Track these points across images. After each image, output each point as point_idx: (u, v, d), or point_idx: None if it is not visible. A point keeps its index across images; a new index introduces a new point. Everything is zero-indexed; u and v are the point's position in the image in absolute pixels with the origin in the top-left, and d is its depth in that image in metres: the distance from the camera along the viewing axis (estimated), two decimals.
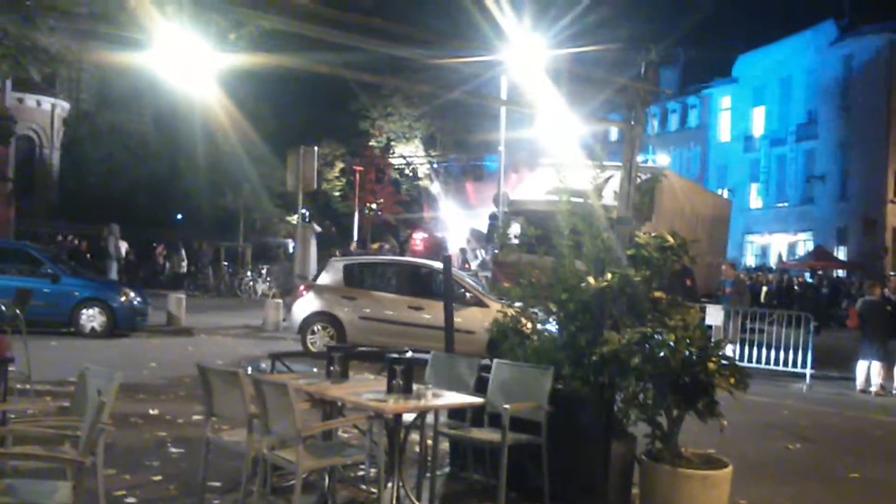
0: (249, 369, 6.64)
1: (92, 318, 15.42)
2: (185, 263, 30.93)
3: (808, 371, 14.05)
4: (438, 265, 14.73)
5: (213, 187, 37.92)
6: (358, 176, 42.65)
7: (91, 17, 9.98)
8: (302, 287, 15.44)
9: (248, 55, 10.71)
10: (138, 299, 16.38)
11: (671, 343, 5.68)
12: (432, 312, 12.80)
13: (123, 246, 24.48)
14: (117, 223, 25.19)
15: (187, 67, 6.31)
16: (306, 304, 14.35)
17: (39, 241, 26.04)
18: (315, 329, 14.03)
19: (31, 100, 38.53)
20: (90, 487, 4.59)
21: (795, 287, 32.31)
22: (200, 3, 5.22)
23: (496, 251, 16.73)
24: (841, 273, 38.26)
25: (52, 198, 39.82)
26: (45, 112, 39.60)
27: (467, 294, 13.39)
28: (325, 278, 14.57)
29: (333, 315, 13.96)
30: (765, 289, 32.34)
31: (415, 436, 6.58)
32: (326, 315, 14.03)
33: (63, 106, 40.22)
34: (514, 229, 15.92)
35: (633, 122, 6.82)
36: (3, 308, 9.59)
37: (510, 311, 7.22)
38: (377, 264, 15.71)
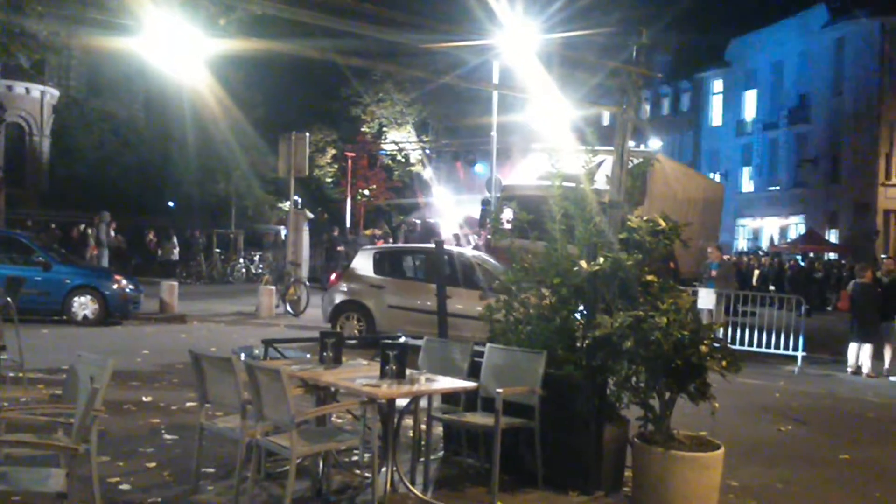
0: (242, 356, 6.65)
1: (84, 305, 15.39)
2: (176, 250, 30.87)
3: (799, 354, 14.13)
4: (470, 252, 14.71)
5: (205, 174, 37.78)
6: (350, 162, 42.56)
7: (80, 3, 9.91)
8: (333, 275, 15.33)
9: (238, 41, 10.65)
10: (130, 287, 16.35)
11: (663, 326, 5.70)
12: (462, 301, 12.60)
13: (101, 232, 24.04)
14: (108, 210, 25.09)
15: (177, 53, 6.28)
16: (337, 293, 14.26)
17: (30, 229, 25.95)
18: (346, 318, 13.94)
19: (20, 87, 38.27)
20: (84, 474, 4.60)
21: (787, 270, 32.39)
22: None
23: (489, 236, 16.71)
24: (833, 256, 38.41)
25: (43, 186, 39.63)
26: (35, 99, 39.34)
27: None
28: (355, 267, 14.47)
29: (363, 304, 13.85)
30: (757, 272, 32.45)
31: (408, 420, 6.60)
32: (356, 304, 13.91)
33: (52, 93, 39.96)
34: (507, 214, 15.96)
35: (624, 107, 6.81)
36: None
37: (502, 297, 7.22)
38: (407, 252, 15.55)
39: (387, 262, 14.36)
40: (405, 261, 14.78)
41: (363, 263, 14.29)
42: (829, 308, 27.71)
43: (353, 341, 12.32)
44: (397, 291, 13.77)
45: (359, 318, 13.88)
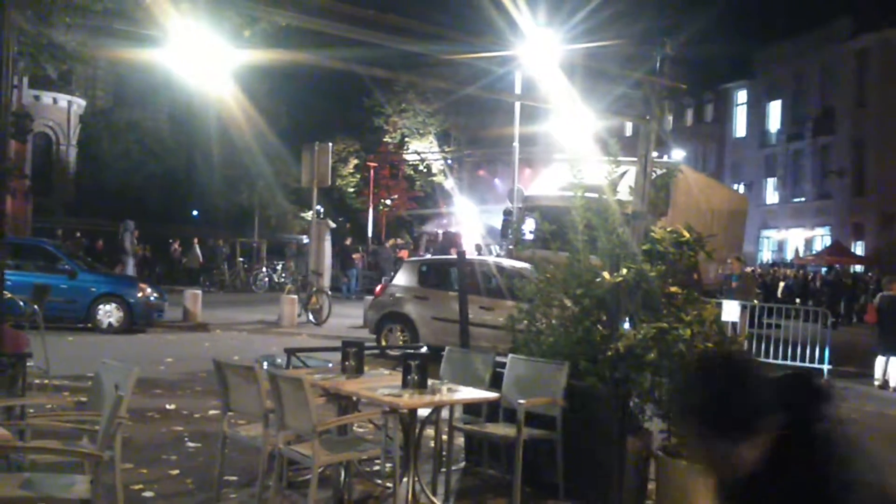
0: (265, 364, 6.67)
1: (109, 313, 15.52)
2: (200, 259, 31.09)
3: (825, 367, 13.96)
4: (514, 264, 14.60)
5: (229, 183, 38.06)
6: (372, 172, 42.72)
7: (107, 14, 10.03)
8: (378, 287, 15.28)
9: (262, 51, 10.74)
10: (155, 295, 16.49)
11: (687, 338, 5.66)
12: (504, 313, 12.48)
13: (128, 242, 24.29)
14: (133, 219, 25.34)
15: (202, 64, 6.34)
16: (380, 305, 14.22)
17: (58, 237, 26.24)
18: (390, 330, 13.87)
19: (47, 97, 38.78)
20: (108, 482, 4.63)
21: (817, 282, 32.01)
22: (215, 0, 5.24)
23: (511, 247, 16.68)
24: (859, 268, 37.97)
25: (69, 195, 40.10)
26: (62, 109, 39.85)
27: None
28: (400, 278, 14.42)
29: (407, 315, 13.77)
30: (782, 283, 32.17)
31: (430, 431, 6.58)
32: (400, 315, 13.82)
33: (79, 103, 40.46)
34: (529, 225, 15.92)
35: (648, 117, 6.78)
36: (22, 304, 9.68)
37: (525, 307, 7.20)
38: (452, 264, 15.41)
39: (431, 274, 14.27)
40: (449, 272, 14.61)
41: (407, 275, 14.21)
42: (854, 321, 27.38)
43: (395, 352, 12.27)
44: (441, 303, 13.59)
45: (402, 330, 13.79)
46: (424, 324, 13.55)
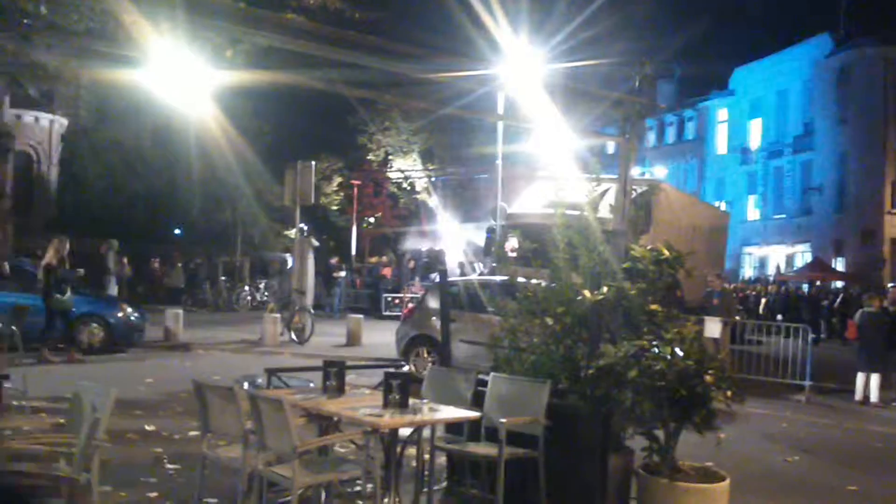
0: (245, 385, 6.63)
1: (90, 333, 15.37)
2: (182, 278, 30.91)
3: (806, 383, 14.03)
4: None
5: (211, 202, 37.93)
6: (356, 190, 42.71)
7: (88, 35, 10.01)
8: (406, 309, 15.04)
9: (244, 72, 10.76)
10: (135, 315, 16.36)
11: (668, 356, 5.68)
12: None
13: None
14: (116, 238, 25.17)
15: (184, 84, 6.34)
16: (409, 327, 14.06)
17: (38, 257, 26.00)
18: (418, 352, 13.69)
19: (29, 116, 38.56)
20: None
21: (798, 298, 32.17)
22: (196, 21, 5.25)
23: (494, 264, 16.70)
24: (839, 284, 38.29)
25: (50, 213, 39.80)
26: (44, 128, 39.62)
27: None
28: (428, 300, 14.29)
29: (435, 338, 13.38)
30: (763, 300, 32.33)
31: (411, 450, 6.56)
32: (428, 338, 13.60)
33: (61, 122, 40.25)
34: (512, 243, 15.95)
35: (627, 136, 6.84)
36: (0, 325, 9.60)
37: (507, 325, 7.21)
38: (479, 285, 15.19)
39: (459, 296, 14.12)
40: (478, 293, 14.40)
41: (435, 297, 14.08)
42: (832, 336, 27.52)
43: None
44: (470, 325, 13.16)
45: (429, 353, 13.64)
46: (452, 346, 13.32)
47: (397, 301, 28.59)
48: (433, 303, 13.98)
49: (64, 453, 4.94)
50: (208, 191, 37.13)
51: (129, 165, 39.62)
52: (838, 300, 28.88)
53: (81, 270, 15.73)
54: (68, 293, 14.37)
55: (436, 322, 13.49)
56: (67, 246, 14.64)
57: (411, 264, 32.48)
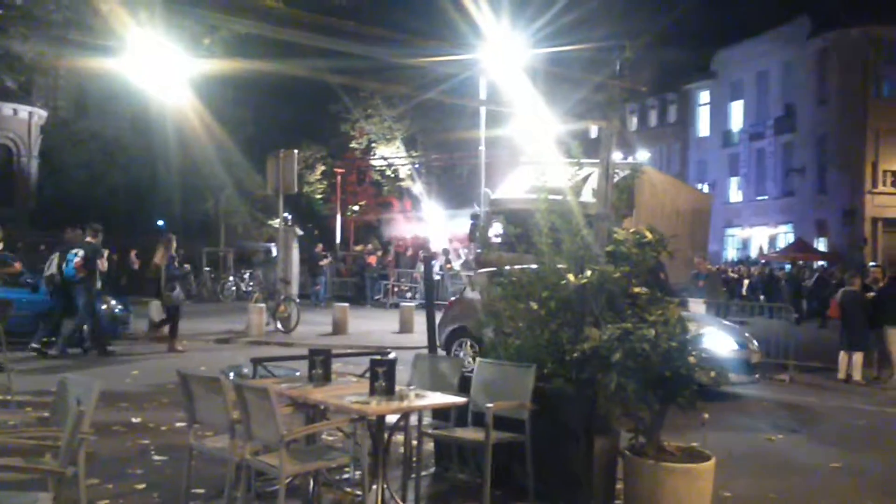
0: (231, 375, 6.62)
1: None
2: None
3: (790, 362, 14.16)
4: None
5: (194, 192, 37.71)
6: (339, 178, 42.58)
7: (65, 25, 9.90)
8: (448, 301, 14.97)
9: (223, 60, 10.69)
10: (119, 307, 16.26)
11: (651, 338, 5.71)
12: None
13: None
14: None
15: (162, 73, 6.29)
16: (450, 320, 13.81)
17: (20, 250, 25.77)
18: (460, 344, 13.44)
19: (7, 108, 38.22)
20: (72, 498, 4.57)
21: (782, 280, 32.37)
22: (173, 9, 5.20)
23: (479, 250, 16.71)
24: (821, 264, 38.60)
25: (32, 206, 39.47)
26: (23, 120, 39.27)
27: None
28: (470, 291, 14.16)
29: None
30: (746, 281, 32.53)
31: (399, 437, 6.58)
32: (468, 330, 13.15)
33: (40, 114, 39.90)
34: (496, 228, 15.96)
35: (608, 120, 6.85)
36: None
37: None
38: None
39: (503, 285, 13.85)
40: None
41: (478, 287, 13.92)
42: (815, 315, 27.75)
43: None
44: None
45: (472, 345, 13.56)
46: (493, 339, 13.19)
47: (396, 289, 28.72)
48: (473, 294, 13.83)
49: (49, 447, 4.92)
50: (189, 181, 36.90)
51: (109, 156, 39.30)
52: (812, 281, 29.11)
53: (188, 267, 16.75)
54: (177, 290, 15.70)
55: (478, 314, 13.47)
56: (174, 245, 15.70)
57: (398, 252, 32.46)
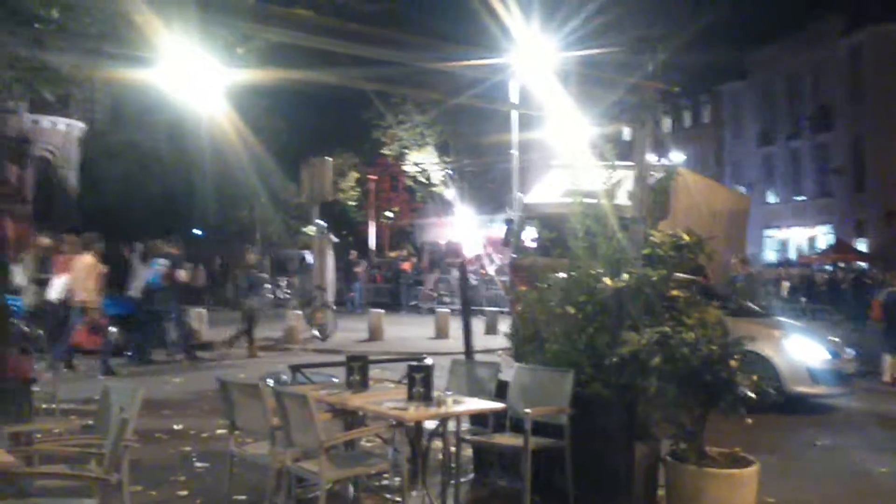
0: (270, 381, 6.66)
1: (117, 334, 15.41)
2: (203, 277, 31.09)
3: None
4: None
5: (229, 201, 38.10)
6: (373, 184, 42.75)
7: (99, 37, 10.03)
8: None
9: (257, 69, 10.76)
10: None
11: (691, 342, 5.65)
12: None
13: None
14: (137, 240, 25.30)
15: (197, 83, 6.35)
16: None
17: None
18: None
19: (46, 121, 38.81)
20: None
21: (821, 282, 31.80)
22: (206, 19, 5.25)
23: (513, 255, 16.66)
24: (862, 265, 37.92)
25: (72, 218, 40.08)
26: (61, 133, 39.88)
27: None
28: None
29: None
30: (786, 284, 32.01)
31: (437, 443, 6.57)
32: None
33: (79, 126, 40.53)
34: (530, 233, 15.91)
35: (642, 122, 6.79)
36: (28, 329, 9.69)
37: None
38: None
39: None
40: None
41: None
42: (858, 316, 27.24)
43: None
44: None
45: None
46: None
47: (434, 295, 28.80)
48: None
49: (94, 454, 4.98)
50: (225, 190, 37.29)
51: (145, 167, 39.82)
52: (850, 283, 28.59)
53: (265, 275, 17.74)
54: (255, 297, 16.58)
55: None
56: (252, 254, 16.82)
57: (432, 259, 32.53)
